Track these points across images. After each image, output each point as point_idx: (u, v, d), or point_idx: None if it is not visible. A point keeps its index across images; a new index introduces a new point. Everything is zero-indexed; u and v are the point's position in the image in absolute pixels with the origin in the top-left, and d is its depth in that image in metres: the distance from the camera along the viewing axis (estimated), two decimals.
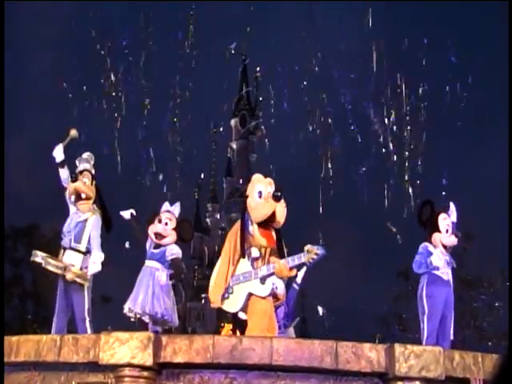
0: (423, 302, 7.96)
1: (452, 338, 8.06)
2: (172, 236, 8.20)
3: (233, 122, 71.52)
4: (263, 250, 7.39)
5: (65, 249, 8.20)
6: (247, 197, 7.53)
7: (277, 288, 7.37)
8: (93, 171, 8.52)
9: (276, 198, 7.29)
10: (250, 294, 7.27)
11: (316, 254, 6.99)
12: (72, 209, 8.37)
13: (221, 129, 67.30)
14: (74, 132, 8.57)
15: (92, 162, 8.62)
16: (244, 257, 7.32)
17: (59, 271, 8.05)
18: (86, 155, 8.65)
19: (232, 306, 7.38)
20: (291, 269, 7.25)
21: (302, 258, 7.09)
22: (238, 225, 7.60)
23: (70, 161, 8.66)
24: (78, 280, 8.01)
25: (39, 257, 8.13)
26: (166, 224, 8.19)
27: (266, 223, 7.37)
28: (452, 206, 8.52)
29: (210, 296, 7.53)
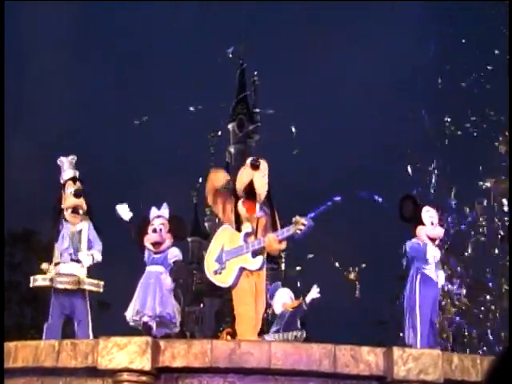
0: (415, 302, 7.85)
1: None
2: (169, 239, 8.27)
3: (230, 126, 71.52)
4: (255, 225, 7.40)
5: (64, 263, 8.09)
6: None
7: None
8: (77, 174, 8.37)
9: (254, 167, 7.24)
10: (243, 269, 7.32)
11: (303, 224, 7.05)
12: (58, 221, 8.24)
13: (219, 133, 67.21)
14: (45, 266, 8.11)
15: (74, 165, 8.42)
16: (239, 231, 7.35)
17: (73, 286, 7.92)
18: (70, 158, 8.43)
19: (224, 280, 7.43)
20: (281, 241, 7.27)
21: (291, 229, 7.14)
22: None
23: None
24: (95, 289, 8.04)
25: (41, 280, 7.96)
26: (161, 230, 8.23)
27: (249, 195, 7.33)
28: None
29: (206, 271, 7.62)
